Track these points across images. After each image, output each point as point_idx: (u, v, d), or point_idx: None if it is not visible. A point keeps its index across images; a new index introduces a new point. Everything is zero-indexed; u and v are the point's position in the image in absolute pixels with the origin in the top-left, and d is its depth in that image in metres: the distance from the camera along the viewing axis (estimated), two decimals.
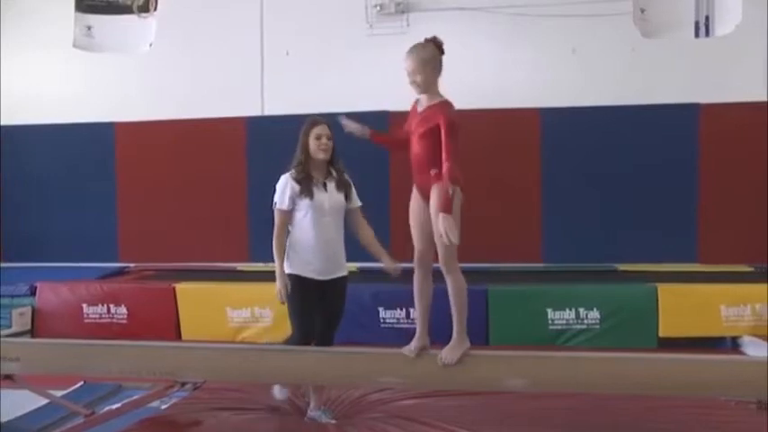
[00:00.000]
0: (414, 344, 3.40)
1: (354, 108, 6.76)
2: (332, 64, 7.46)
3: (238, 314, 6.25)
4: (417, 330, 3.46)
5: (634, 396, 3.92)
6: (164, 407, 4.19)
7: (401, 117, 8.05)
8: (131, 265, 7.61)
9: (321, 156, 3.83)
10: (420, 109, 3.33)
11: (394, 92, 7.13)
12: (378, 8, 7.38)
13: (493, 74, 7.26)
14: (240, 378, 4.00)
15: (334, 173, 3.89)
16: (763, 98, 6.91)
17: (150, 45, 6.08)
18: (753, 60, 6.99)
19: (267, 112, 7.65)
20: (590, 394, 3.90)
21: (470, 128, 7.68)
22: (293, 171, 3.86)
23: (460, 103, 7.89)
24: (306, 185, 3.80)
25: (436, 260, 3.38)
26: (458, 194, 3.21)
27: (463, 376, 3.37)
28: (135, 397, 4.14)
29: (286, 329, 5.95)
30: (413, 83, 3.30)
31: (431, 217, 3.27)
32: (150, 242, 7.62)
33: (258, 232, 7.47)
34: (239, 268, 7.39)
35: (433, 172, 3.24)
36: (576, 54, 7.17)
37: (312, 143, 3.84)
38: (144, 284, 6.72)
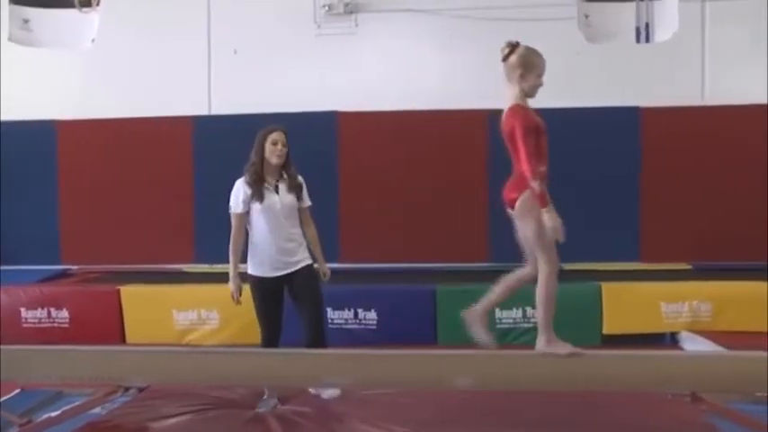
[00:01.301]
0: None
1: (303, 108, 6.76)
2: (280, 63, 7.40)
3: (184, 316, 6.16)
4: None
5: (576, 392, 4.00)
6: (105, 413, 4.09)
7: (349, 117, 8.09)
8: (74, 267, 7.42)
9: (275, 161, 4.05)
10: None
11: (342, 92, 7.24)
12: (326, 8, 7.36)
13: (440, 75, 7.32)
14: (186, 381, 3.95)
15: (285, 176, 4.10)
16: (699, 103, 7.17)
17: (93, 41, 5.92)
18: (691, 66, 7.22)
19: (214, 112, 7.55)
20: (532, 392, 3.96)
21: (418, 129, 7.79)
22: (246, 175, 4.07)
23: (408, 103, 7.95)
24: (257, 189, 4.01)
25: None
26: None
27: (412, 376, 3.39)
28: (75, 404, 4.02)
29: (233, 331, 5.97)
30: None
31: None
32: (94, 244, 7.44)
33: (204, 233, 7.37)
34: (185, 270, 7.28)
35: None
36: None
37: (268, 148, 4.04)
38: (87, 287, 6.55)
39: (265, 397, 4.18)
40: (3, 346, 3.54)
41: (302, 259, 4.11)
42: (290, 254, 4.06)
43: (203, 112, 7.54)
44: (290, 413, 4.06)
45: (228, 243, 4.13)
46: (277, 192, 4.05)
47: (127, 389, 4.14)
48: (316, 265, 4.22)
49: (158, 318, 6.13)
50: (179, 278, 6.89)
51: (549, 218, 3.19)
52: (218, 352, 3.86)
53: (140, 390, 4.27)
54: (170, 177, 7.40)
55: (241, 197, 4.04)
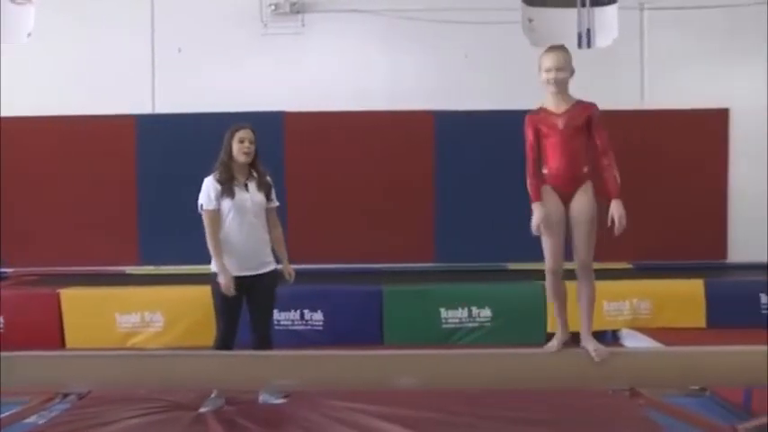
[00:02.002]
0: (554, 341, 3.39)
1: (249, 108, 6.69)
2: (226, 63, 7.31)
3: (127, 319, 6.03)
4: (558, 328, 3.46)
5: (519, 389, 4.08)
6: (42, 422, 3.96)
7: (296, 118, 8.03)
8: (9, 270, 7.17)
9: (243, 159, 4.08)
10: (559, 110, 3.31)
11: (289, 92, 7.20)
12: (272, 7, 7.30)
13: (386, 76, 7.35)
14: (129, 386, 3.87)
15: (255, 174, 4.14)
16: (639, 106, 7.38)
17: (29, 35, 5.70)
18: (631, 71, 7.42)
19: (158, 111, 7.41)
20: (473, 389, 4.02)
21: (365, 129, 7.81)
22: (216, 172, 4.08)
23: (354, 104, 7.95)
24: (228, 186, 4.04)
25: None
26: None
27: (358, 376, 3.39)
28: (9, 412, 3.87)
29: (178, 333, 5.88)
30: (552, 80, 3.28)
31: (578, 214, 3.32)
32: (32, 246, 7.21)
33: (148, 234, 7.24)
34: (128, 272, 7.14)
35: (585, 169, 3.30)
36: (469, 59, 7.37)
37: (235, 146, 4.07)
38: (24, 290, 6.34)
39: (213, 396, 4.16)
40: None
41: (269, 262, 4.17)
42: (259, 254, 4.11)
43: (147, 110, 7.39)
44: (233, 414, 4.04)
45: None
46: (247, 190, 4.09)
47: (66, 395, 4.03)
48: (279, 267, 4.23)
49: (100, 321, 5.98)
50: (122, 280, 6.74)
51: (534, 211, 3.35)
52: (163, 355, 3.80)
53: (80, 396, 4.16)
54: (113, 177, 7.24)
55: (213, 194, 4.04)
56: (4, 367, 3.19)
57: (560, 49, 3.38)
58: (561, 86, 3.31)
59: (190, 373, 3.41)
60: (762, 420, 3.80)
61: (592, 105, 3.33)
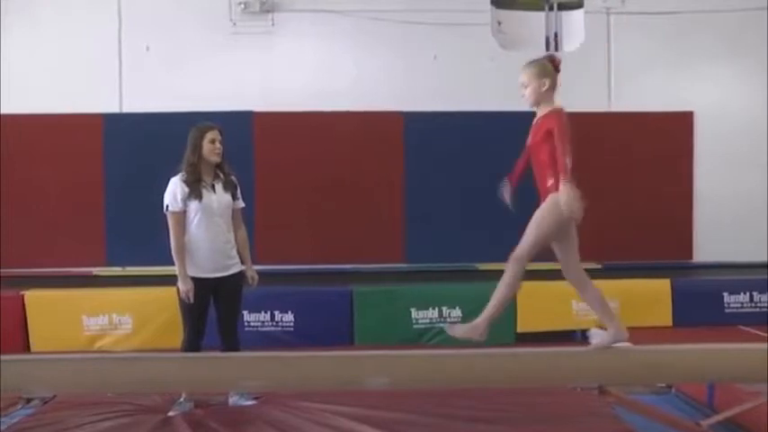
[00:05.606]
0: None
1: (218, 108, 6.64)
2: (194, 61, 7.24)
3: (95, 322, 5.95)
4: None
5: (493, 388, 4.11)
6: (3, 428, 3.87)
7: (265, 117, 8.01)
8: None
9: (214, 159, 4.05)
10: (533, 123, 3.32)
11: (258, 92, 7.16)
12: (242, 6, 7.25)
13: (357, 76, 7.35)
14: (95, 390, 3.80)
15: (221, 174, 4.10)
16: (606, 109, 7.47)
17: None
18: (598, 74, 7.51)
19: (126, 110, 7.31)
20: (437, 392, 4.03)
21: (334, 129, 7.80)
22: (183, 173, 4.02)
23: (324, 104, 7.91)
24: (195, 187, 3.99)
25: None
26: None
27: (330, 377, 3.37)
28: None
29: (147, 336, 5.81)
30: (522, 96, 3.31)
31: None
32: None
33: (116, 235, 7.14)
34: (96, 273, 7.03)
35: (549, 182, 3.25)
36: (438, 60, 7.40)
37: (207, 146, 4.01)
38: None
39: (181, 399, 4.12)
40: None
41: (235, 263, 4.12)
42: (225, 256, 4.07)
43: (114, 109, 7.29)
44: (202, 417, 4.00)
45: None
46: (214, 190, 4.04)
47: (29, 400, 3.95)
48: (245, 268, 4.20)
49: (66, 324, 5.89)
50: (89, 282, 6.65)
51: None
52: (130, 358, 3.74)
53: (45, 401, 4.09)
54: (79, 176, 7.13)
55: (179, 195, 3.98)
56: None
57: (526, 65, 3.32)
58: (531, 102, 3.31)
59: (158, 376, 3.35)
60: (724, 416, 3.89)
61: (552, 117, 3.20)
